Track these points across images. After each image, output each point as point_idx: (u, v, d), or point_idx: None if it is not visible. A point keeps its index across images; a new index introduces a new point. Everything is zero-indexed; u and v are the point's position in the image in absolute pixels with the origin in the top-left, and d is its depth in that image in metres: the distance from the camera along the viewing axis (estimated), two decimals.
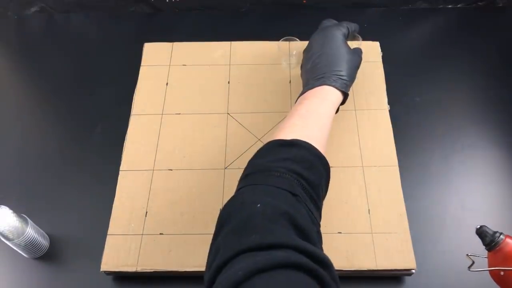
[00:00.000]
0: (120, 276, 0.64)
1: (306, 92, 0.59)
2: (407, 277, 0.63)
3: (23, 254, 0.64)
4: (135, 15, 0.90)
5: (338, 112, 0.73)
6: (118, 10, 0.90)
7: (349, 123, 0.72)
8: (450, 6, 0.88)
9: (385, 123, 0.72)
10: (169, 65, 0.80)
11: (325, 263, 0.39)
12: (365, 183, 0.67)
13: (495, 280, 0.41)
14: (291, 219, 0.41)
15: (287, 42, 0.78)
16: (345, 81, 0.60)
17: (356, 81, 0.76)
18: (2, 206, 0.59)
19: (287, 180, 0.45)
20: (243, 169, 0.65)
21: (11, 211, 0.59)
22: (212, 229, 0.63)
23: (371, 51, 0.79)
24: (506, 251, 0.40)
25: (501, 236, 0.42)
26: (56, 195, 0.70)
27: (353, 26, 0.67)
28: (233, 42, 0.80)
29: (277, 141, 0.50)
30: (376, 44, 0.80)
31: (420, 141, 0.73)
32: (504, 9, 0.88)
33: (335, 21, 0.67)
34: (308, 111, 0.56)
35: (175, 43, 0.82)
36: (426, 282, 0.62)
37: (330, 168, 0.51)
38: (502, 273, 0.40)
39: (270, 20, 0.88)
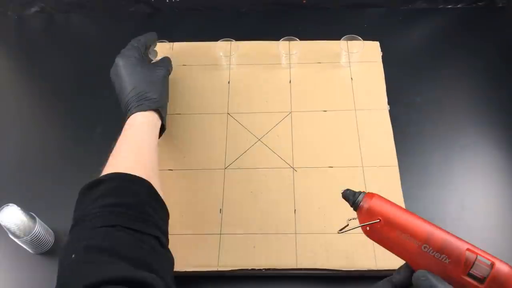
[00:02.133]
0: None
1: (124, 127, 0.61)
2: None
3: (28, 249, 0.64)
4: (135, 15, 0.90)
5: (338, 112, 0.73)
6: (118, 10, 0.90)
7: (349, 123, 0.72)
8: (450, 6, 0.88)
9: (385, 123, 0.72)
10: None
11: (146, 284, 0.42)
12: (365, 183, 0.67)
13: (367, 235, 0.45)
14: (112, 251, 0.45)
15: (287, 42, 0.78)
16: (152, 100, 0.62)
17: (356, 81, 0.77)
18: (10, 204, 0.60)
19: (101, 217, 0.48)
20: (243, 169, 0.65)
21: (19, 208, 0.60)
22: (212, 229, 0.64)
23: (371, 51, 0.79)
24: (367, 207, 0.44)
25: (361, 195, 0.45)
26: (57, 195, 0.70)
27: (143, 38, 0.69)
28: (233, 42, 0.80)
29: (86, 185, 0.52)
30: (376, 44, 0.80)
31: (420, 141, 0.73)
32: (504, 9, 0.88)
33: (129, 46, 0.68)
34: (121, 142, 0.59)
35: (175, 43, 0.82)
36: None
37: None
38: (368, 228, 0.44)
39: (270, 20, 0.88)
